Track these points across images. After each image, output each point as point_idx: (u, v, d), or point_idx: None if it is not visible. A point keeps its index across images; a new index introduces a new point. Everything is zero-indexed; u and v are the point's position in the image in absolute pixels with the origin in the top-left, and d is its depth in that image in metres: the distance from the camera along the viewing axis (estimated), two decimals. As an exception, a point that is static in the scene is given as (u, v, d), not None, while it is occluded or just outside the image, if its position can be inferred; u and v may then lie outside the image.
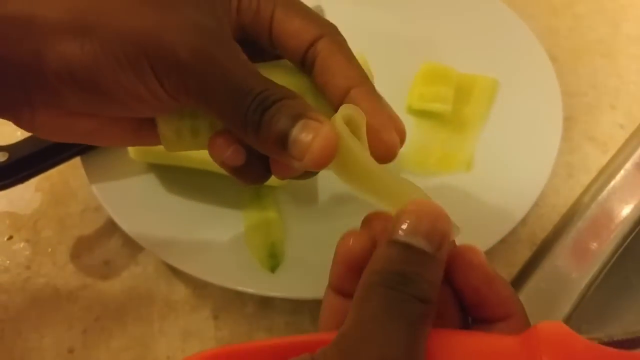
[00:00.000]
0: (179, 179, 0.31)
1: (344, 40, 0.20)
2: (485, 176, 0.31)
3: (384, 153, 0.19)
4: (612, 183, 0.33)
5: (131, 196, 0.30)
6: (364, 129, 0.19)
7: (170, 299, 0.29)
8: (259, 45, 0.21)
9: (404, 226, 0.17)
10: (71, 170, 0.33)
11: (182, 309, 0.28)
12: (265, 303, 0.28)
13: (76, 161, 0.31)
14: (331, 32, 0.20)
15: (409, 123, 0.34)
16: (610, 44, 0.39)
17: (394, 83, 0.34)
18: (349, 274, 0.18)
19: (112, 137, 0.22)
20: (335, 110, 0.19)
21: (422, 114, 0.34)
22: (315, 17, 0.20)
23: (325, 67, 0.20)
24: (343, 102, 0.19)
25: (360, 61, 0.20)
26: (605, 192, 0.33)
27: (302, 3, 0.21)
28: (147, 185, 0.31)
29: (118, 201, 0.30)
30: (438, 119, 0.34)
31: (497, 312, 0.18)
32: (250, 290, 0.27)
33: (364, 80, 0.20)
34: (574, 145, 0.34)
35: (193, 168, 0.30)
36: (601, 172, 0.34)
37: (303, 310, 0.28)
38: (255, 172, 0.20)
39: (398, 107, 0.34)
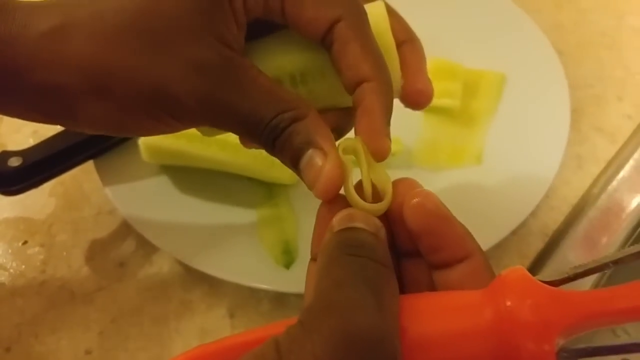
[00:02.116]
0: (191, 180, 0.31)
1: (363, 22, 0.20)
2: (496, 169, 0.31)
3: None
4: (622, 173, 0.33)
5: (145, 198, 0.30)
6: (363, 155, 0.19)
7: (186, 298, 0.29)
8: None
9: (342, 216, 0.17)
10: (84, 174, 0.33)
11: (197, 308, 0.29)
12: (280, 300, 0.28)
13: (89, 165, 0.32)
14: (350, 14, 0.19)
15: (418, 119, 0.34)
16: (615, 37, 0.40)
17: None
18: None
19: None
20: (350, 92, 0.20)
21: (431, 110, 0.34)
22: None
23: (339, 56, 0.19)
24: (355, 93, 0.19)
25: (381, 28, 0.20)
26: (615, 183, 0.33)
27: None
28: (160, 187, 0.31)
29: (132, 203, 0.30)
30: (447, 114, 0.34)
31: (456, 252, 0.18)
32: (265, 286, 0.27)
33: (374, 73, 0.19)
34: (583, 137, 0.35)
35: (205, 168, 0.31)
36: (610, 163, 0.34)
37: (318, 306, 0.28)
38: None
39: (406, 103, 0.35)
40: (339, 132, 0.22)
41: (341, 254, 0.16)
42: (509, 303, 0.15)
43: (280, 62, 0.20)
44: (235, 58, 0.19)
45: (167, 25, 0.19)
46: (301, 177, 0.19)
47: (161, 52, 0.19)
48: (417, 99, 0.22)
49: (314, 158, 0.18)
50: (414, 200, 0.18)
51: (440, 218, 0.18)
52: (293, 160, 0.19)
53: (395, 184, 0.19)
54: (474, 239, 0.18)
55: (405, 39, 0.22)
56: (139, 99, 0.19)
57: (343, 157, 0.19)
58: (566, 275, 0.16)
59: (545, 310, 0.15)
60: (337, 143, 0.19)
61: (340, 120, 0.21)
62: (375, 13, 0.20)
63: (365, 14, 0.20)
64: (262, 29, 0.21)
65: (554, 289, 0.16)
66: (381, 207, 0.18)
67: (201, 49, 0.19)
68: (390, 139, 0.19)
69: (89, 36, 0.19)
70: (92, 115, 0.20)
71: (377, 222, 0.18)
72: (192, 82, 0.19)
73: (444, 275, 0.18)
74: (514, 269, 0.16)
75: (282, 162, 0.20)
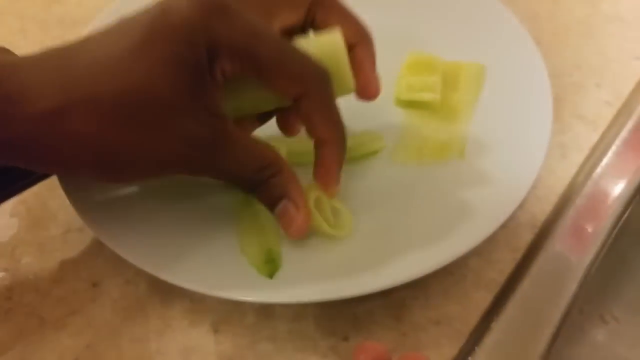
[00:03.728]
0: (163, 189, 0.29)
1: (326, 93, 0.24)
2: (480, 162, 0.30)
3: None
4: (605, 160, 0.33)
5: (116, 212, 0.28)
6: (325, 200, 0.26)
7: (167, 315, 0.27)
8: None
9: None
10: (48, 191, 0.31)
11: (179, 325, 0.27)
12: (266, 312, 0.27)
13: (53, 180, 0.30)
14: (315, 88, 0.23)
15: (398, 115, 0.33)
16: (590, 24, 0.40)
17: (380, 75, 0.34)
18: None
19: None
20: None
21: (411, 105, 0.33)
22: (299, 69, 0.23)
23: (305, 121, 0.24)
24: (315, 150, 0.25)
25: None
26: (599, 170, 0.33)
27: (286, 49, 0.23)
28: (131, 199, 0.29)
29: (102, 219, 0.28)
30: (427, 108, 0.33)
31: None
32: (249, 298, 0.25)
33: (331, 136, 0.24)
34: (565, 125, 0.34)
35: (178, 177, 0.29)
36: (593, 151, 0.34)
37: (306, 315, 0.27)
38: None
39: (386, 99, 0.34)
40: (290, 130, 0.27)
41: None
42: None
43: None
44: (222, 127, 0.23)
45: (161, 105, 0.21)
46: (274, 217, 0.25)
47: (158, 131, 0.22)
48: (368, 96, 0.27)
49: (288, 208, 0.24)
50: None
51: None
52: (270, 206, 0.25)
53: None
54: None
55: (357, 41, 0.26)
56: (136, 169, 0.23)
57: (311, 203, 0.25)
58: None
59: None
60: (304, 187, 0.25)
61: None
62: (333, 42, 0.24)
63: (328, 81, 0.23)
64: None
65: None
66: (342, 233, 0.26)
67: (193, 124, 0.22)
68: (339, 183, 0.25)
69: (90, 118, 0.21)
70: (87, 175, 0.24)
71: None
72: (187, 155, 0.22)
73: None
74: None
75: (259, 201, 0.25)
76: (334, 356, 0.26)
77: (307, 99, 0.23)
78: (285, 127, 0.27)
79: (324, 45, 0.24)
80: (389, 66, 0.34)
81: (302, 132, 0.30)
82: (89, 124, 0.21)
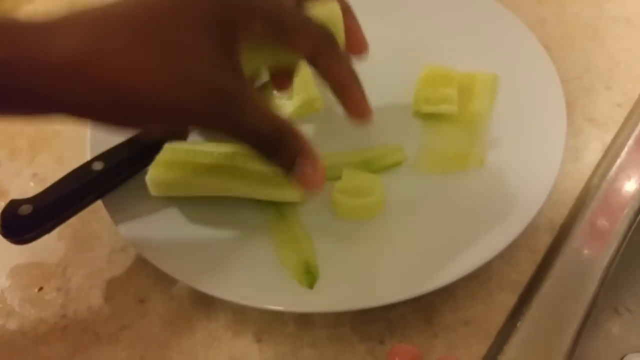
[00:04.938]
0: (202, 209, 0.31)
1: (335, 44, 0.27)
2: (500, 170, 0.32)
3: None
4: (618, 161, 0.34)
5: (157, 231, 0.30)
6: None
7: (211, 327, 0.29)
8: None
9: None
10: (91, 214, 0.33)
11: (224, 336, 0.29)
12: (305, 319, 0.29)
13: (95, 204, 0.31)
14: (323, 44, 0.27)
15: (417, 126, 0.35)
16: (596, 27, 0.41)
17: (397, 89, 0.35)
18: None
19: None
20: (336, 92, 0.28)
21: (429, 117, 0.35)
22: (312, 30, 0.26)
23: (326, 74, 0.27)
24: (340, 92, 0.28)
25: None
26: (612, 172, 0.34)
27: (301, 16, 0.26)
28: (171, 219, 0.31)
29: (145, 238, 0.30)
30: (445, 119, 0.34)
31: None
32: (291, 309, 0.27)
33: (352, 75, 0.28)
34: (577, 129, 0.36)
35: (214, 196, 0.31)
36: (606, 153, 0.35)
37: (344, 321, 0.29)
38: None
39: (404, 111, 0.35)
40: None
41: None
42: None
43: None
44: (244, 85, 0.24)
45: (195, 57, 0.23)
46: (293, 180, 0.26)
47: (189, 82, 0.23)
48: (361, 50, 0.30)
49: (306, 168, 0.25)
50: None
51: None
52: (287, 168, 0.25)
53: None
54: None
55: (344, 10, 0.29)
56: (160, 115, 0.23)
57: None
58: None
59: None
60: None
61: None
62: (333, 10, 0.29)
63: (334, 37, 0.27)
64: None
65: None
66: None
67: (221, 78, 0.23)
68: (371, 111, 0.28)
69: (122, 67, 0.22)
70: (110, 121, 0.24)
71: None
72: (212, 107, 0.23)
73: None
74: None
75: (277, 165, 0.26)
76: (371, 359, 0.27)
77: (321, 54, 0.27)
78: (280, 85, 0.31)
79: (326, 11, 0.29)
80: (405, 79, 0.36)
81: (329, 148, 0.32)
82: (120, 73, 0.22)
